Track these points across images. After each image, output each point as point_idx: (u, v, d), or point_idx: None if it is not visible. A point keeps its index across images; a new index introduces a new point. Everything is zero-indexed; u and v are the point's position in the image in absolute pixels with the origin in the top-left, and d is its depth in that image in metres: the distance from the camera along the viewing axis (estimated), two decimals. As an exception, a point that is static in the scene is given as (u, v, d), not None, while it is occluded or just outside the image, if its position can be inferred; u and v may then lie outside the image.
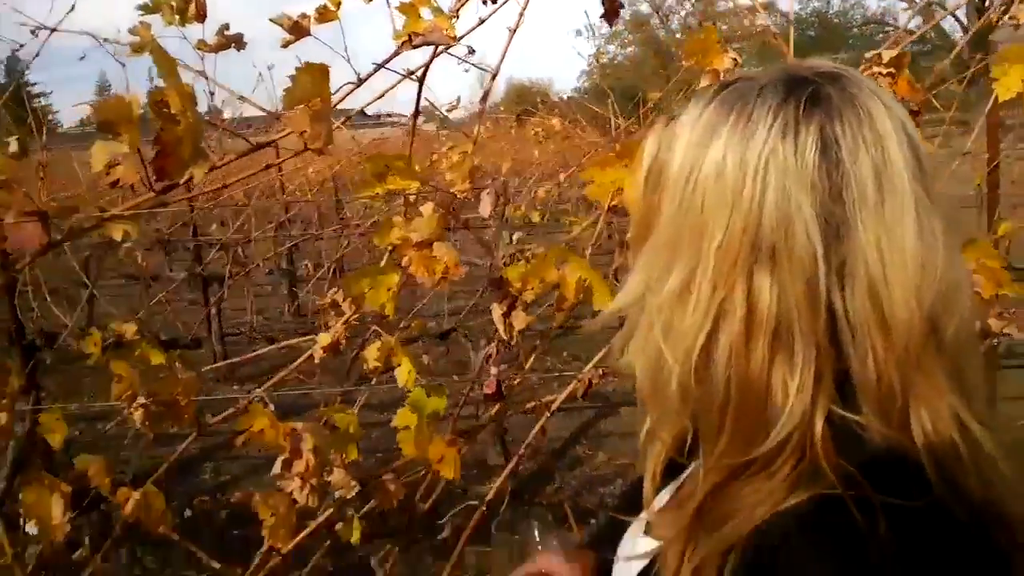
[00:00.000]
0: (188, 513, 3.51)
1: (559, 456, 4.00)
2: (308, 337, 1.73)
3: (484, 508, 1.46)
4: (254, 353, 2.07)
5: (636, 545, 0.70)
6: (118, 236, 1.16)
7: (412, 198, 1.20)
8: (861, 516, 0.49)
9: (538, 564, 0.86)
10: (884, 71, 1.01)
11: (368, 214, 6.47)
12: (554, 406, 1.24)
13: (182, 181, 0.99)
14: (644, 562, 0.66)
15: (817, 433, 0.54)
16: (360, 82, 1.05)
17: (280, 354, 5.69)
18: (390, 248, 1.21)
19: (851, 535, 0.49)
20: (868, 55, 1.07)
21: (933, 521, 0.51)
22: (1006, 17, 1.40)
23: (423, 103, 1.19)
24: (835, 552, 0.50)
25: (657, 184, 0.62)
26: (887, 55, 1.05)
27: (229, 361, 1.72)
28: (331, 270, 5.08)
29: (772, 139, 0.55)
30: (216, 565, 1.40)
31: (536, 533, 0.83)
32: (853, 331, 0.54)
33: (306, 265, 5.20)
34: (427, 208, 1.08)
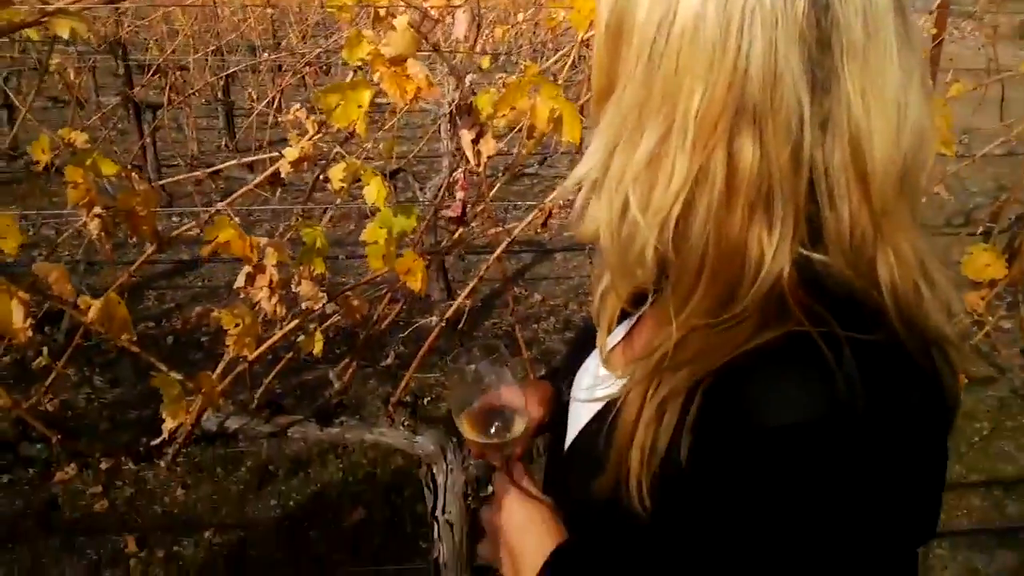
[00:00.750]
0: (134, 338, 3.53)
1: (496, 296, 4.15)
2: (252, 159, 1.71)
3: (438, 329, 1.54)
4: (196, 174, 2.02)
5: (593, 390, 0.70)
6: (65, 33, 1.11)
7: (382, 12, 1.17)
8: (828, 350, 0.49)
9: (500, 395, 0.83)
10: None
11: (310, 47, 6.15)
12: (516, 231, 1.29)
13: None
14: (601, 404, 0.66)
15: (784, 275, 0.53)
16: None
17: (219, 187, 5.56)
18: (357, 66, 1.19)
19: (820, 367, 0.49)
20: None
21: (891, 354, 0.52)
22: None
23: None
24: (804, 381, 0.50)
25: (619, 36, 0.56)
26: None
27: (168, 180, 1.68)
28: (272, 101, 4.87)
29: None
30: (174, 375, 1.44)
31: (486, 360, 0.81)
32: (830, 185, 0.52)
33: (249, 94, 4.95)
34: (401, 22, 1.06)
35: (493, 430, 0.80)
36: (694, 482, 0.54)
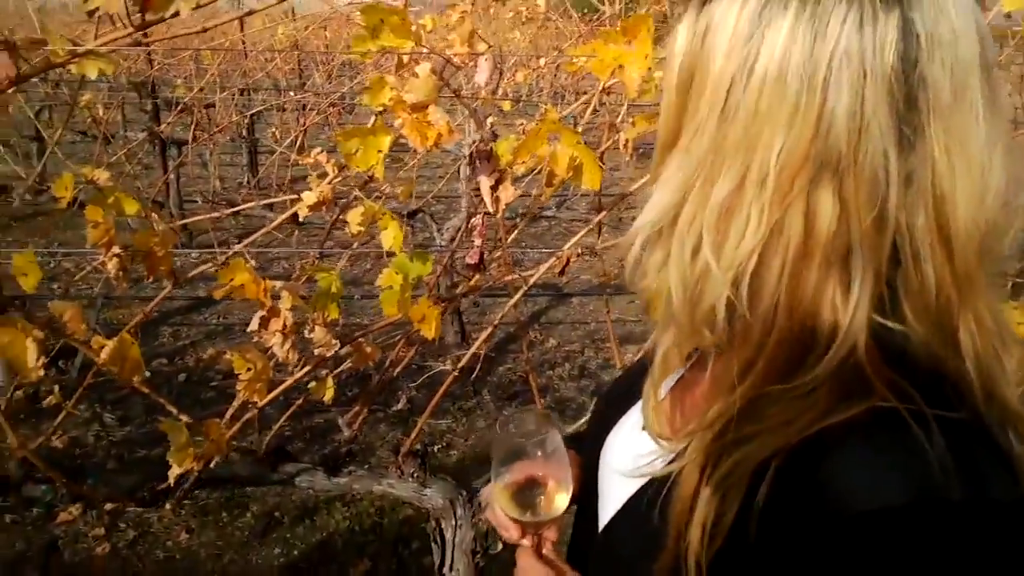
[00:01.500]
0: (147, 375, 3.54)
1: (511, 340, 4.12)
2: (273, 200, 1.71)
3: (452, 376, 1.51)
4: (217, 213, 2.03)
5: (636, 461, 0.65)
6: (93, 74, 1.11)
7: (404, 59, 1.16)
8: (918, 429, 0.46)
9: (544, 464, 0.78)
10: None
11: (333, 86, 6.26)
12: (533, 279, 1.27)
13: (168, 16, 0.95)
14: (646, 478, 0.62)
15: (861, 346, 0.51)
16: (363, -74, 1.00)
17: (239, 225, 5.61)
18: (379, 110, 1.18)
19: (911, 447, 0.46)
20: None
21: (980, 436, 0.49)
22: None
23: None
24: (895, 463, 0.47)
25: (690, 84, 0.55)
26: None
27: (191, 220, 1.68)
28: (295, 141, 4.94)
29: (847, 32, 0.48)
30: (184, 417, 1.42)
31: (498, 426, 0.77)
32: (915, 248, 0.50)
33: (273, 133, 5.03)
34: (423, 69, 1.05)
35: (533, 507, 0.75)
36: (765, 566, 0.50)
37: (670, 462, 0.59)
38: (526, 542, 0.76)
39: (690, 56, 0.55)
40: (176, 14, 1.01)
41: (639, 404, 0.72)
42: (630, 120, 1.26)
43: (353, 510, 2.73)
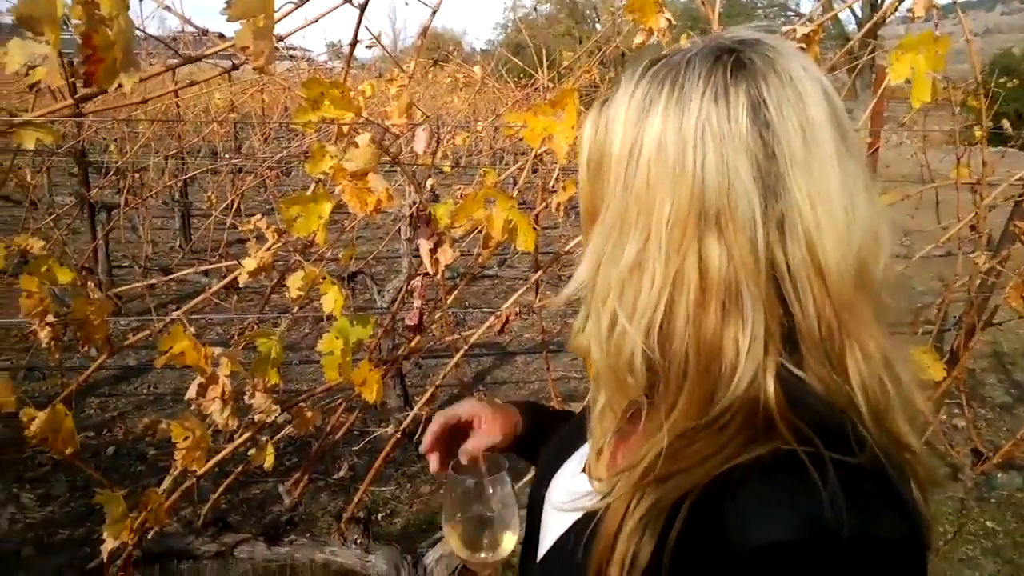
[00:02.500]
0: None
1: (455, 401, 4.08)
2: (208, 267, 1.71)
3: (394, 439, 1.50)
4: (151, 281, 1.99)
5: (571, 496, 0.69)
6: (31, 144, 1.11)
7: (346, 129, 1.20)
8: (815, 471, 0.50)
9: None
10: (796, 46, 1.10)
11: (269, 150, 6.26)
12: (473, 339, 1.29)
13: (111, 89, 0.96)
14: (579, 514, 0.66)
15: (769, 390, 0.56)
16: (302, 2, 1.04)
17: (171, 290, 5.44)
18: (320, 178, 1.21)
19: (806, 487, 0.50)
20: (784, 29, 1.16)
21: (875, 479, 0.52)
22: (902, 7, 1.52)
23: (342, 38, 1.18)
24: (790, 501, 0.51)
25: (600, 167, 0.63)
26: (801, 30, 1.14)
27: (121, 288, 1.65)
28: (231, 204, 4.90)
29: (705, 107, 0.57)
30: (119, 491, 1.38)
31: (451, 469, 0.82)
32: (794, 283, 0.56)
33: (209, 197, 4.97)
34: (364, 139, 1.09)
35: (482, 548, 0.79)
36: None
37: (600, 500, 0.63)
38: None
39: (596, 144, 0.64)
40: (119, 86, 1.02)
41: (580, 449, 0.78)
42: (562, 184, 1.31)
43: (294, 583, 2.63)
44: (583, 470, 0.73)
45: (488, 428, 0.91)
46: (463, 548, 0.80)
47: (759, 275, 0.56)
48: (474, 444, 0.89)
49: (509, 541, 0.79)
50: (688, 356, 0.58)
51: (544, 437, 0.90)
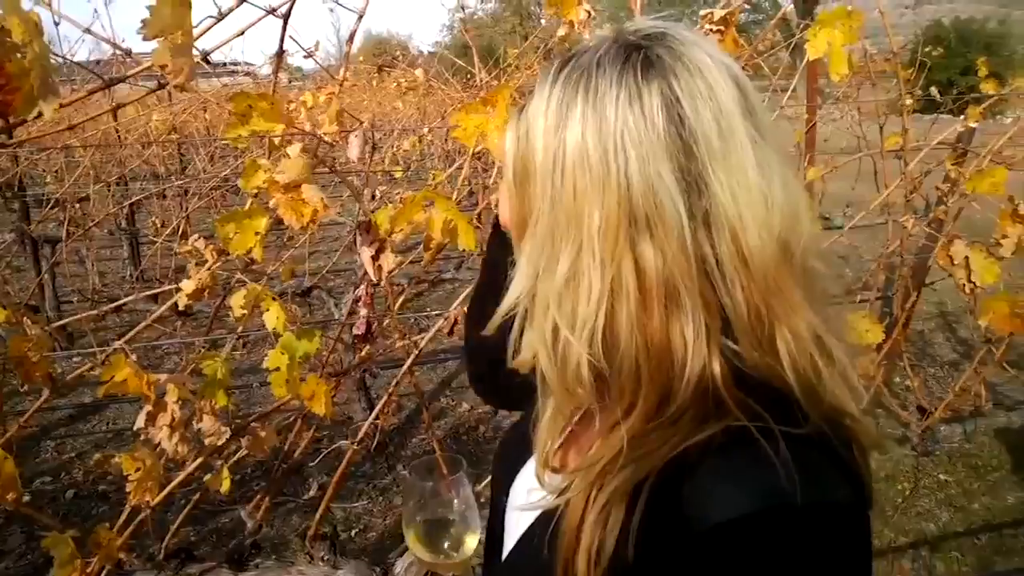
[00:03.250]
0: (27, 497, 3.26)
1: (422, 410, 4.07)
2: (155, 291, 1.67)
3: (352, 453, 1.49)
4: (96, 311, 1.94)
5: (531, 495, 0.70)
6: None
7: (276, 141, 1.18)
8: (766, 444, 0.52)
9: (454, 509, 0.83)
10: (714, 28, 1.12)
11: (215, 170, 6.15)
12: (423, 343, 1.28)
13: (30, 118, 0.93)
14: (538, 512, 0.67)
15: (716, 372, 0.57)
16: (221, 17, 1.02)
17: (124, 321, 5.31)
18: (254, 193, 1.19)
19: (759, 461, 0.52)
20: (702, 12, 1.18)
21: (820, 448, 0.54)
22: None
23: (285, 43, 1.17)
24: (744, 476, 0.53)
25: (525, 178, 0.63)
26: (718, 13, 1.16)
27: (68, 319, 1.60)
28: (178, 228, 4.80)
29: (621, 112, 0.56)
30: (69, 532, 1.34)
31: (408, 472, 0.81)
32: (723, 274, 0.57)
33: (153, 222, 4.86)
34: (294, 150, 1.08)
35: (443, 550, 0.79)
36: None
37: (558, 496, 0.64)
38: None
39: (519, 154, 0.63)
40: (39, 115, 0.99)
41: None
42: (499, 181, 1.31)
43: (269, 606, 2.59)
44: (537, 473, 0.72)
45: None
46: (425, 551, 0.80)
47: (692, 272, 0.56)
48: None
49: (471, 541, 0.79)
50: (638, 359, 0.58)
51: None
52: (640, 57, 0.58)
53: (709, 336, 0.57)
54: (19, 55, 0.91)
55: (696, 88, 0.57)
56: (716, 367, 0.57)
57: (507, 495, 0.79)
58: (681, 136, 0.56)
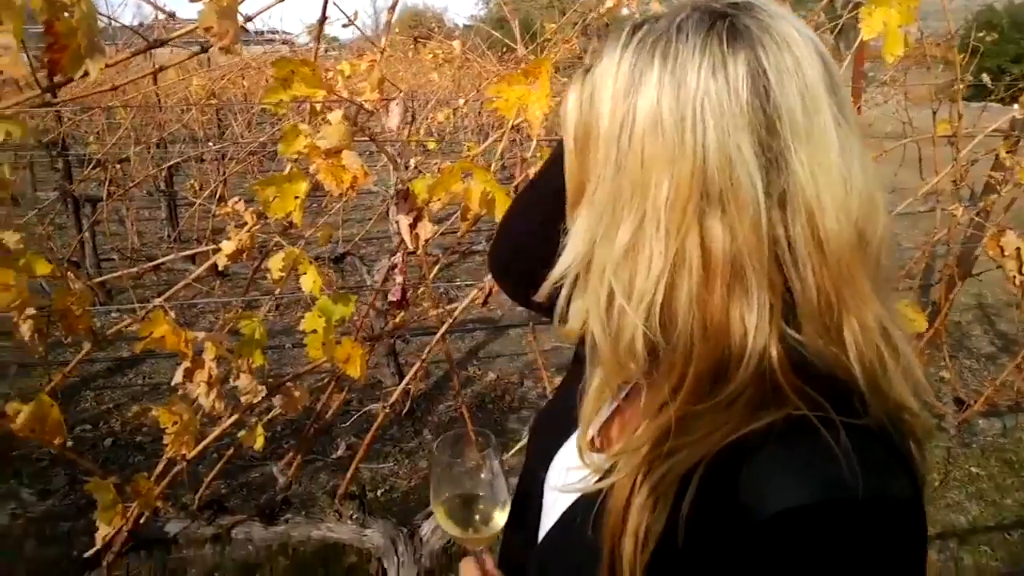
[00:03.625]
0: (70, 443, 3.38)
1: (450, 378, 4.11)
2: (193, 251, 1.70)
3: (383, 414, 1.51)
4: (135, 269, 1.99)
5: (570, 475, 0.69)
6: (0, 137, 1.10)
7: (317, 107, 1.19)
8: (827, 435, 0.51)
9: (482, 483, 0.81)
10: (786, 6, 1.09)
11: (253, 136, 6.21)
12: (457, 312, 1.29)
13: (77, 77, 0.95)
14: (578, 493, 0.66)
15: (774, 358, 0.55)
16: (267, -18, 1.03)
17: (161, 280, 5.44)
18: (295, 158, 1.20)
19: (822, 451, 0.51)
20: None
21: (880, 439, 0.53)
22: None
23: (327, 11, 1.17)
24: (808, 466, 0.52)
25: (587, 143, 0.60)
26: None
27: (108, 276, 1.64)
28: (215, 192, 4.87)
29: (703, 80, 0.54)
30: (112, 479, 1.38)
31: (435, 447, 0.80)
32: (795, 258, 0.55)
33: (192, 185, 4.94)
34: (335, 116, 1.08)
35: (472, 525, 0.78)
36: (695, 567, 0.54)
37: (601, 478, 0.63)
38: (472, 555, 0.78)
39: (581, 118, 0.61)
40: (86, 74, 1.01)
41: (577, 430, 0.75)
42: (538, 154, 1.31)
43: (297, 563, 2.66)
44: (579, 448, 0.71)
45: None
46: (454, 526, 0.79)
47: (762, 253, 0.54)
48: None
49: (500, 516, 0.78)
50: (693, 336, 0.57)
51: None
52: (726, 26, 0.55)
53: (771, 320, 0.56)
54: (67, 14, 0.94)
55: (783, 62, 0.54)
56: (775, 352, 0.55)
57: (545, 470, 0.78)
58: (764, 110, 0.54)
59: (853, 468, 0.50)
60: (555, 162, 0.78)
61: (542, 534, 0.74)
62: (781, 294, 0.56)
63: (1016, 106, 2.14)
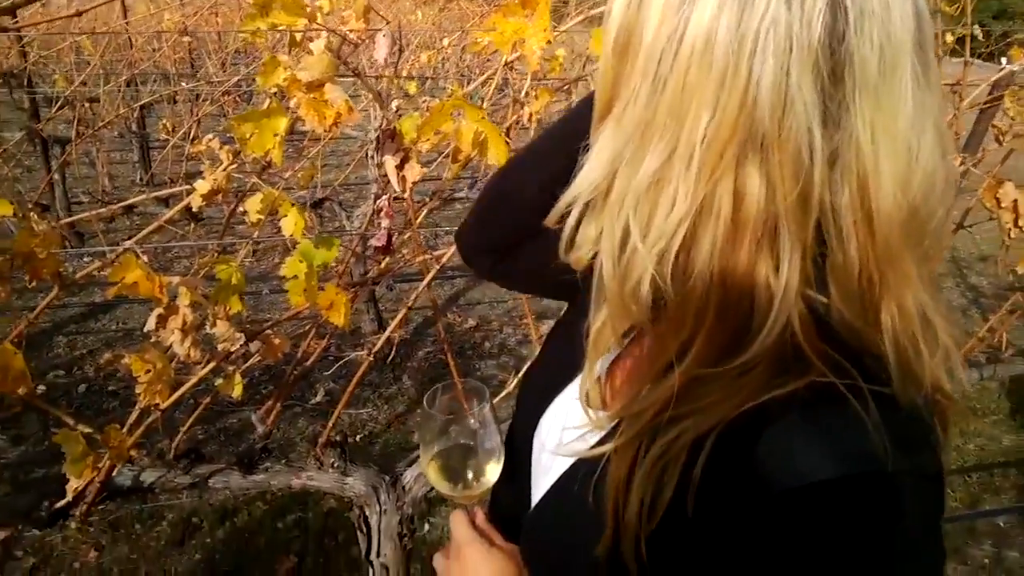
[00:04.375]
0: (42, 389, 3.33)
1: (429, 324, 4.09)
2: (166, 192, 1.63)
3: (367, 363, 1.47)
4: (106, 210, 1.90)
5: (565, 434, 0.66)
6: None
7: (299, 36, 1.12)
8: (857, 404, 0.48)
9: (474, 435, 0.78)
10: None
11: (227, 75, 6.00)
12: (444, 259, 1.25)
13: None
14: (575, 457, 0.63)
15: (796, 322, 0.50)
16: None
17: (134, 224, 5.33)
18: (274, 91, 1.13)
19: (852, 421, 0.47)
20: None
21: (906, 409, 0.50)
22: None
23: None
24: (839, 436, 0.48)
25: (625, 52, 0.53)
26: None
27: (77, 217, 1.56)
28: (189, 132, 4.71)
29: (774, 6, 0.46)
30: (82, 427, 1.33)
31: (424, 401, 0.77)
32: (838, 227, 0.49)
33: (164, 125, 4.78)
34: (317, 46, 1.01)
35: (464, 480, 0.75)
36: (705, 540, 0.51)
37: (601, 441, 0.59)
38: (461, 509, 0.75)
39: (625, 23, 0.53)
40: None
41: (570, 386, 0.72)
42: (534, 94, 1.25)
43: (275, 507, 2.66)
44: (582, 399, 0.66)
45: None
46: (445, 483, 0.76)
47: (804, 216, 0.49)
48: None
49: (492, 471, 0.76)
50: (709, 292, 0.51)
51: None
52: None
53: (800, 285, 0.50)
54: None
55: (870, 4, 0.46)
56: (797, 317, 0.50)
57: (535, 425, 0.75)
58: (834, 53, 0.46)
59: (882, 440, 0.46)
60: (578, 115, 0.69)
61: (536, 495, 0.70)
62: (814, 260, 0.51)
63: (1004, 60, 2.10)
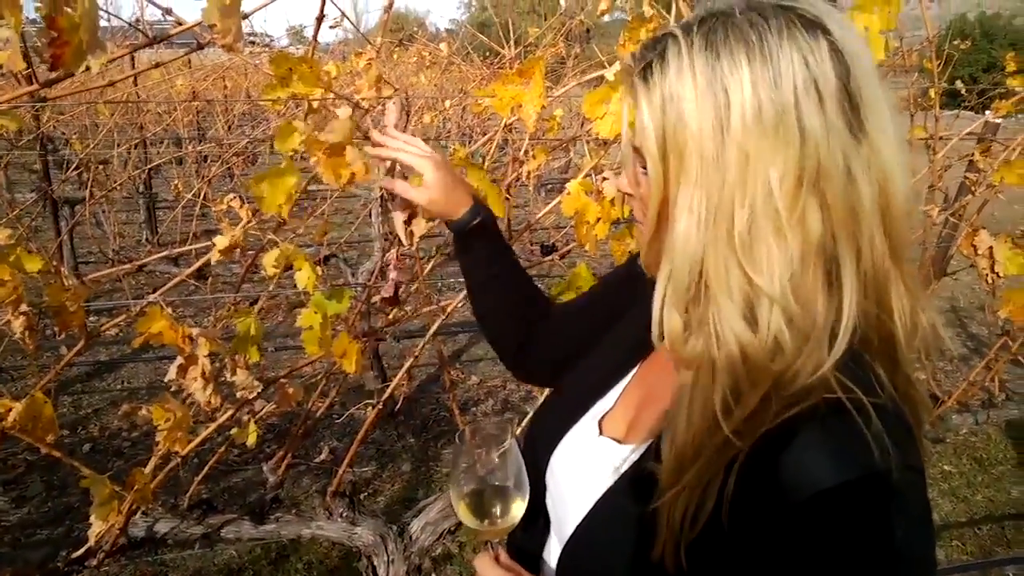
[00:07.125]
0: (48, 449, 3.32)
1: (433, 381, 4.12)
2: (176, 251, 1.70)
3: (376, 411, 1.52)
4: (117, 268, 1.97)
5: (590, 461, 0.74)
6: (-7, 130, 1.10)
7: (315, 104, 1.20)
8: (860, 416, 0.55)
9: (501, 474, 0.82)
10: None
11: (235, 137, 6.17)
12: (450, 308, 1.31)
13: (78, 72, 0.95)
14: (612, 480, 0.69)
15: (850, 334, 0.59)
16: (266, -19, 1.04)
17: (140, 283, 5.34)
18: (289, 155, 1.21)
19: (857, 433, 0.54)
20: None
21: (898, 418, 0.57)
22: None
23: (303, 22, 1.18)
24: (845, 447, 0.55)
25: (675, 147, 0.60)
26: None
27: (96, 275, 1.63)
28: (199, 193, 4.83)
29: (798, 63, 0.56)
30: (101, 476, 1.37)
31: (456, 439, 0.81)
32: (862, 227, 0.58)
33: (176, 186, 4.89)
34: (344, 112, 1.09)
35: (490, 516, 0.78)
36: (737, 545, 0.57)
37: (640, 460, 0.67)
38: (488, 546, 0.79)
39: (661, 126, 0.61)
40: (87, 69, 1.01)
41: (585, 416, 0.80)
42: (531, 154, 1.33)
43: (281, 568, 2.65)
44: (603, 433, 0.76)
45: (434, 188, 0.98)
46: (473, 518, 0.79)
47: (854, 228, 0.58)
48: (403, 187, 0.99)
49: (519, 508, 0.79)
50: (784, 326, 0.58)
51: (491, 247, 0.97)
52: (795, 15, 0.58)
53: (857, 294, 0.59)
54: (69, 10, 0.94)
55: (852, 43, 0.58)
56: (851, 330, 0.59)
57: (549, 455, 0.81)
58: (847, 87, 0.57)
59: (883, 447, 0.53)
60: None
61: (564, 526, 0.75)
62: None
63: (988, 112, 2.20)
